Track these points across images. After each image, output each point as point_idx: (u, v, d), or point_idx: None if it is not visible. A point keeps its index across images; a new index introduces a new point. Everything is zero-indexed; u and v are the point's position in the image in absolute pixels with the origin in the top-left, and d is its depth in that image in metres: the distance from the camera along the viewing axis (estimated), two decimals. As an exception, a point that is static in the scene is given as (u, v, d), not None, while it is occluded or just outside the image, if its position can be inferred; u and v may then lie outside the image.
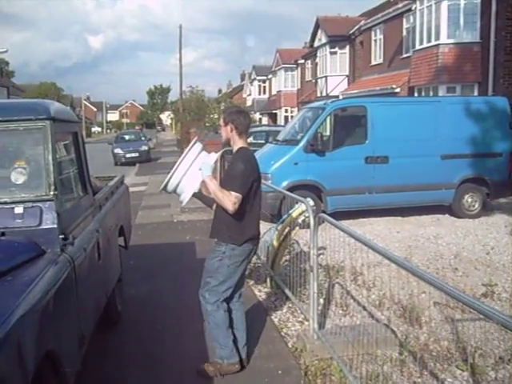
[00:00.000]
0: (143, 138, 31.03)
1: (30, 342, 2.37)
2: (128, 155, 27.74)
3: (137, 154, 27.89)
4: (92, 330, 3.89)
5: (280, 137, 11.92)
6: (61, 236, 3.20)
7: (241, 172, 4.14)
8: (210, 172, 4.09)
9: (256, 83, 51.44)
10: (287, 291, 6.04)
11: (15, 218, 3.19)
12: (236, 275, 4.46)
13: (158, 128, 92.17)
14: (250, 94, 55.62)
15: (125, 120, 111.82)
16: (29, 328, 2.40)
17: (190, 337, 5.21)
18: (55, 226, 3.19)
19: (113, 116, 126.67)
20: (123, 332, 5.38)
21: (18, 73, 79.81)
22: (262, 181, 9.32)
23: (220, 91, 76.99)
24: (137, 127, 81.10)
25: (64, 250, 3.23)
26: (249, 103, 53.17)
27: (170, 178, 4.22)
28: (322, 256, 6.90)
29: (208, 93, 46.43)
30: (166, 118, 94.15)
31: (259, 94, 50.75)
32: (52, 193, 3.18)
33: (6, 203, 3.23)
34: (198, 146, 4.35)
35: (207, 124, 37.46)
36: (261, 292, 6.54)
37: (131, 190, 16.37)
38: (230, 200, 4.03)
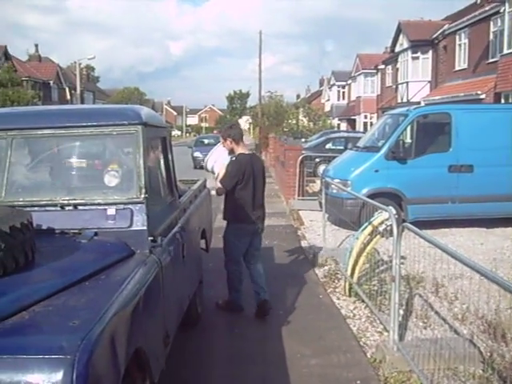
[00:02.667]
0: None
1: (122, 339, 2.48)
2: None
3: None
4: (175, 330, 4.00)
5: (360, 143, 11.79)
6: (150, 238, 3.31)
7: (230, 173, 5.72)
8: (216, 168, 5.97)
9: (335, 88, 51.10)
10: (366, 300, 5.96)
11: (107, 219, 3.34)
12: (240, 246, 5.97)
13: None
14: (328, 100, 55.35)
15: (204, 124, 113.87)
16: (121, 325, 2.50)
17: (268, 341, 5.25)
18: (145, 227, 3.31)
19: (192, 120, 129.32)
20: (202, 333, 5.49)
21: (102, 78, 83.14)
22: (342, 187, 9.19)
23: (298, 96, 77.02)
24: (215, 131, 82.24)
25: (152, 251, 3.34)
26: (327, 108, 52.93)
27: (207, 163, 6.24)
28: (401, 266, 6.76)
29: (286, 98, 46.58)
30: (244, 122, 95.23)
31: (338, 99, 50.36)
32: (143, 196, 3.31)
33: (99, 204, 3.38)
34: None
35: (285, 129, 37.61)
36: (339, 300, 6.49)
37: (211, 193, 16.90)
38: (216, 187, 5.85)
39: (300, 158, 13.73)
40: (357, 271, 6.54)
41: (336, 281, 7.21)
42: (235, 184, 5.70)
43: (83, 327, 2.17)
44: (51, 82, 47.39)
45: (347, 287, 6.67)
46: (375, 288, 6.18)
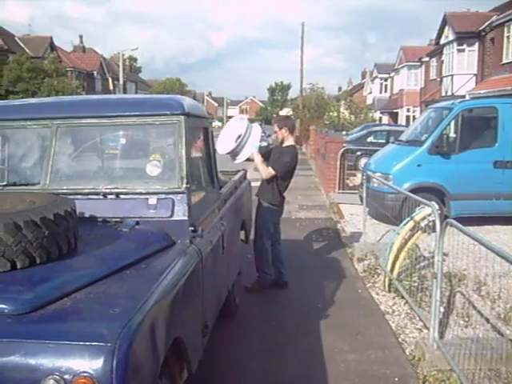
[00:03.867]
0: (262, 134, 31.40)
1: (161, 328, 2.49)
2: (248, 151, 28.15)
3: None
4: (214, 320, 4.01)
5: (403, 137, 11.60)
6: (190, 228, 3.32)
7: (286, 163, 6.28)
8: (257, 149, 6.13)
9: (377, 81, 50.37)
10: (406, 296, 5.87)
11: (149, 209, 3.36)
12: (272, 226, 6.61)
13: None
14: (370, 92, 54.61)
15: (244, 116, 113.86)
16: (161, 314, 2.52)
17: (306, 334, 5.22)
18: (186, 218, 3.32)
19: (233, 111, 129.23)
20: (239, 324, 5.51)
21: (144, 69, 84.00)
22: (384, 181, 9.04)
23: (340, 89, 76.24)
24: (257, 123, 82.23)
25: (193, 241, 3.35)
26: (369, 101, 52.24)
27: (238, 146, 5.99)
28: (443, 262, 6.64)
29: (328, 90, 46.26)
30: (285, 114, 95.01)
31: (380, 92, 49.63)
32: (184, 186, 3.32)
33: (141, 194, 3.41)
34: (256, 127, 6.21)
35: (326, 122, 37.35)
36: (378, 295, 6.41)
37: (252, 185, 16.92)
38: (266, 171, 6.26)
39: (341, 150, 13.60)
40: (397, 267, 6.45)
41: (375, 276, 7.13)
42: (285, 173, 6.35)
43: (124, 315, 2.19)
44: (95, 73, 48.19)
45: (387, 282, 6.58)
46: (415, 284, 6.06)
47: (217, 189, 4.41)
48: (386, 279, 6.59)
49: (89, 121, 3.61)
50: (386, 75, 48.09)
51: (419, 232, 6.27)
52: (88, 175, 3.73)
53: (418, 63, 39.56)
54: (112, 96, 5.19)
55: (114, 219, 3.36)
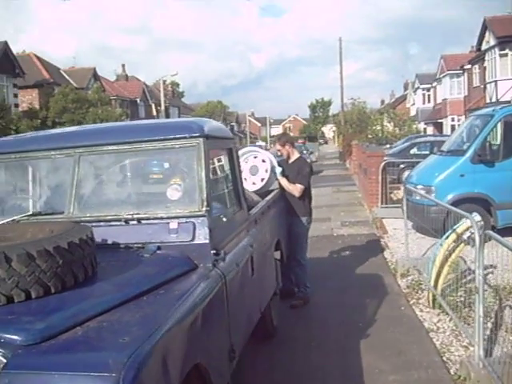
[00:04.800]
0: (305, 152, 31.33)
1: (176, 355, 2.42)
2: (290, 169, 28.08)
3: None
4: (243, 344, 3.91)
5: (445, 147, 11.29)
6: (212, 251, 3.25)
7: (307, 174, 6.68)
8: (279, 171, 6.49)
9: (419, 92, 49.64)
10: (450, 312, 5.63)
11: (170, 233, 3.31)
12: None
13: (321, 141, 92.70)
14: (413, 104, 53.87)
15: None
16: (176, 341, 2.45)
17: (346, 355, 5.06)
18: (207, 241, 3.26)
19: (276, 130, 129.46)
20: (278, 346, 5.38)
21: (187, 93, 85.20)
22: (425, 194, 8.78)
23: (383, 102, 75.60)
24: (300, 141, 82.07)
25: (216, 264, 3.28)
26: (412, 113, 51.52)
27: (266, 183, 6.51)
28: (490, 275, 6.37)
29: (370, 104, 45.83)
30: (327, 131, 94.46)
31: (423, 102, 48.85)
32: (204, 209, 3.25)
33: (162, 218, 3.37)
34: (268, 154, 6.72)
35: (370, 136, 36.94)
36: (422, 312, 6.18)
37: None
38: (297, 189, 6.51)
39: (382, 164, 13.35)
40: (441, 281, 6.20)
41: (419, 292, 6.88)
42: (309, 183, 6.73)
43: (132, 344, 2.13)
44: (138, 100, 49.14)
45: (431, 298, 6.34)
46: (461, 299, 5.81)
47: (244, 210, 4.33)
48: (430, 295, 6.35)
49: (109, 148, 3.61)
50: (429, 85, 47.35)
51: (462, 244, 6.02)
52: (110, 202, 3.71)
53: (460, 71, 38.79)
54: (132, 122, 5.19)
55: (136, 245, 3.32)
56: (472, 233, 5.59)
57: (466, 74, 37.97)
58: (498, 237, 4.12)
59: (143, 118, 49.06)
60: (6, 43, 31.28)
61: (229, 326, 3.33)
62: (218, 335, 3.15)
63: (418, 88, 49.79)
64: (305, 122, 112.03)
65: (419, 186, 9.84)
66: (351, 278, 7.71)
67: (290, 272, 6.76)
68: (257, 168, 6.44)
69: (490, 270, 6.23)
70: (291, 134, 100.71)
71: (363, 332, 5.60)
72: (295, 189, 6.50)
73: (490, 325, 5.26)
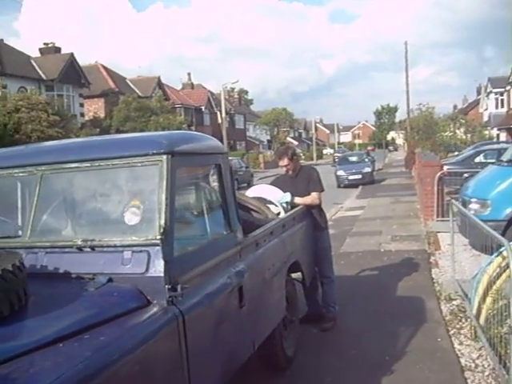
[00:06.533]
0: (366, 160, 30.41)
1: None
2: (351, 177, 27.36)
3: (359, 176, 27.35)
4: None
5: (505, 157, 10.35)
6: (168, 286, 2.78)
7: (317, 177, 6.12)
8: (289, 198, 5.77)
9: (492, 96, 47.35)
10: (488, 348, 4.91)
11: (123, 264, 2.88)
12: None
13: (390, 148, 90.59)
14: (486, 109, 51.51)
15: (357, 141, 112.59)
16: None
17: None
18: (161, 274, 2.80)
19: (346, 137, 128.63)
20: (287, 380, 4.85)
21: (256, 100, 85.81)
22: (479, 209, 7.95)
23: (455, 107, 72.91)
24: (369, 148, 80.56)
25: (174, 301, 2.81)
26: (485, 118, 49.24)
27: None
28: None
29: (442, 109, 44.27)
30: (397, 137, 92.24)
31: (496, 107, 46.48)
32: (159, 237, 2.78)
33: (115, 246, 2.94)
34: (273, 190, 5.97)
35: (438, 143, 35.48)
36: (461, 345, 5.45)
37: (346, 214, 16.17)
38: (313, 198, 5.97)
39: (438, 174, 12.48)
40: (484, 311, 5.46)
41: (463, 320, 6.12)
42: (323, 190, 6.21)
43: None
44: (203, 108, 49.58)
45: (473, 329, 5.61)
46: (504, 334, 5.07)
47: (236, 232, 3.84)
48: (472, 326, 5.62)
49: (71, 166, 3.23)
50: (502, 89, 45.06)
51: (507, 271, 5.28)
52: (66, 226, 3.33)
53: (537, 74, 36.68)
54: (98, 138, 4.78)
55: (87, 275, 2.91)
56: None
57: (542, 77, 35.86)
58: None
59: (208, 126, 49.54)
60: (72, 55, 32.29)
61: (186, 373, 2.83)
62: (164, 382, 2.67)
63: (491, 92, 47.53)
64: (374, 129, 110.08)
65: (473, 199, 9.01)
66: (388, 301, 7.02)
67: (315, 293, 6.24)
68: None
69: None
70: (360, 141, 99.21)
71: (388, 367, 4.96)
72: (313, 198, 5.98)
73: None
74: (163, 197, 2.92)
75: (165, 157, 3.01)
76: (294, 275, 5.54)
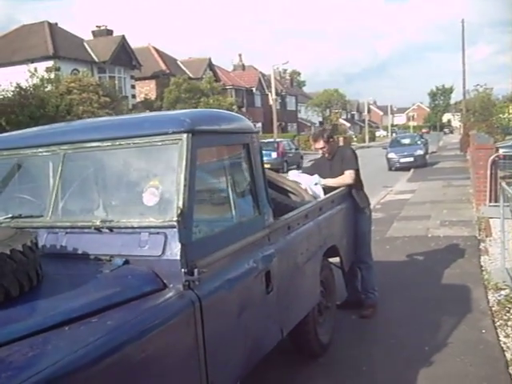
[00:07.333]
0: (419, 142, 29.60)
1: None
2: (402, 160, 26.65)
3: (411, 159, 26.62)
4: (241, 374, 3.25)
5: None
6: (184, 270, 2.67)
7: (350, 155, 5.83)
8: (316, 180, 5.52)
9: (556, 77, 45.34)
10: (537, 343, 4.63)
11: (141, 246, 2.79)
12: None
13: (446, 130, 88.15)
14: (549, 90, 49.34)
15: (411, 123, 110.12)
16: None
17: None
18: (178, 257, 2.68)
19: (400, 119, 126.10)
20: (322, 368, 4.70)
21: (308, 82, 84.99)
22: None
23: (516, 88, 70.11)
24: (424, 130, 78.55)
25: (191, 285, 2.70)
26: (547, 100, 47.13)
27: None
28: None
29: (502, 90, 42.50)
30: (453, 120, 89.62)
31: (560, 88, 44.57)
32: (175, 218, 2.66)
33: (133, 228, 2.84)
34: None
35: (496, 125, 34.16)
36: (508, 338, 5.14)
37: (395, 197, 15.77)
38: (345, 178, 5.71)
39: (491, 157, 11.94)
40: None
41: (511, 311, 5.83)
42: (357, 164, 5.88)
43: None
44: (254, 89, 49.37)
45: (523, 321, 5.32)
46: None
47: (265, 215, 3.68)
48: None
49: (92, 145, 3.16)
50: None
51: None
52: (87, 206, 3.25)
53: None
54: (122, 117, 4.67)
55: (104, 257, 2.84)
56: None
57: None
58: None
59: (259, 107, 49.36)
60: (123, 37, 32.59)
61: (203, 362, 2.72)
62: (177, 371, 2.56)
63: (554, 72, 45.39)
64: (429, 111, 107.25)
65: (528, 184, 8.57)
66: (432, 289, 6.75)
67: (354, 279, 6.07)
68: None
69: None
70: (415, 123, 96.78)
71: (427, 358, 4.75)
72: (345, 178, 5.72)
73: None
74: (182, 177, 2.80)
75: (185, 135, 2.89)
76: (331, 260, 5.39)
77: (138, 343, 2.27)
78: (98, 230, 2.93)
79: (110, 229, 2.90)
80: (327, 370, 4.70)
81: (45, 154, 3.34)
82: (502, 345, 5.01)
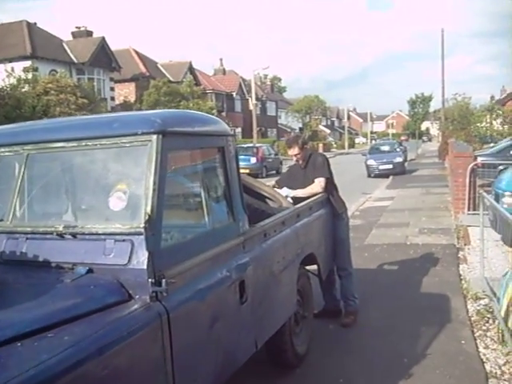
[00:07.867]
0: (398, 149, 29.71)
1: None
2: (381, 167, 26.70)
3: (390, 166, 26.67)
4: None
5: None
6: (151, 280, 2.50)
7: (321, 162, 5.65)
8: (288, 191, 5.49)
9: (532, 87, 45.97)
10: (516, 356, 4.53)
11: (105, 253, 2.61)
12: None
13: (424, 138, 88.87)
14: (526, 100, 49.99)
15: (390, 130, 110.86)
16: None
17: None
18: (144, 266, 2.51)
19: (379, 126, 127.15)
20: (297, 381, 4.55)
21: (290, 88, 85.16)
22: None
23: (493, 98, 70.95)
24: (402, 137, 79.06)
25: (158, 297, 2.53)
26: (525, 110, 47.75)
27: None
28: None
29: (480, 100, 42.98)
30: (431, 128, 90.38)
31: (535, 99, 45.15)
32: (143, 225, 2.49)
33: (97, 234, 2.67)
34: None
35: (474, 134, 34.48)
36: (487, 349, 5.06)
37: (374, 204, 15.73)
38: (316, 186, 5.54)
39: (471, 165, 11.95)
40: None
41: (491, 322, 5.72)
42: (330, 172, 5.75)
43: None
44: (234, 94, 49.24)
45: (500, 333, 5.23)
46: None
47: (240, 222, 3.53)
48: (500, 329, 5.24)
49: (57, 145, 2.97)
50: (543, 80, 43.61)
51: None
52: (50, 211, 3.08)
53: None
54: (90, 116, 4.51)
55: (66, 265, 2.66)
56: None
57: None
58: None
59: (239, 112, 49.24)
60: (103, 38, 32.24)
61: (171, 378, 2.55)
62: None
63: (531, 83, 46.07)
64: (408, 119, 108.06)
65: (507, 193, 8.59)
66: (411, 298, 6.65)
67: (332, 287, 5.93)
68: None
69: None
70: (393, 131, 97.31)
71: (406, 370, 4.63)
72: (314, 187, 5.54)
73: None
74: (151, 181, 2.63)
75: (155, 137, 2.72)
76: (309, 267, 5.25)
77: (97, 360, 2.09)
78: (61, 236, 2.75)
79: (74, 235, 2.72)
80: (304, 381, 4.55)
81: (7, 154, 3.15)
82: (482, 356, 4.91)
